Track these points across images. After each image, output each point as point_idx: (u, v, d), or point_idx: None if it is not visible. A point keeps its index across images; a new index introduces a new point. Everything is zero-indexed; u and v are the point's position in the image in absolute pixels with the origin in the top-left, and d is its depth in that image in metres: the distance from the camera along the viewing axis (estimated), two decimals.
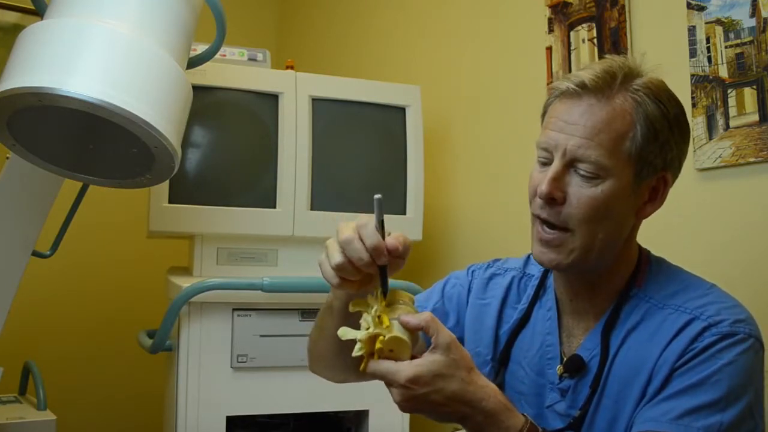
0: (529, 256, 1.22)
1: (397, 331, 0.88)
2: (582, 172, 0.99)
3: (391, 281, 0.92)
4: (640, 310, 1.03)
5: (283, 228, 1.93)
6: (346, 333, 0.90)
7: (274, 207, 1.93)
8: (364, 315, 0.90)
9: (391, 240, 0.88)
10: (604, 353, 1.02)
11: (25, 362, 2.06)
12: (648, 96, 1.01)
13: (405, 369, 0.87)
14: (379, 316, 0.89)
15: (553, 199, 1.00)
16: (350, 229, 0.89)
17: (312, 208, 1.95)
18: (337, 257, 0.89)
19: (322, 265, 0.92)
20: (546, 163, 1.03)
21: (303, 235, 1.94)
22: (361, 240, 0.88)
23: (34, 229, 1.56)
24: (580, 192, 1.00)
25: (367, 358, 0.89)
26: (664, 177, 1.05)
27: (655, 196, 1.05)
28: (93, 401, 2.70)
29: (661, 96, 1.02)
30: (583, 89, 1.01)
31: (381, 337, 0.88)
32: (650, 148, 1.00)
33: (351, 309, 0.93)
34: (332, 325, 1.04)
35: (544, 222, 1.02)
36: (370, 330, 0.88)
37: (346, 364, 1.12)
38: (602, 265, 1.05)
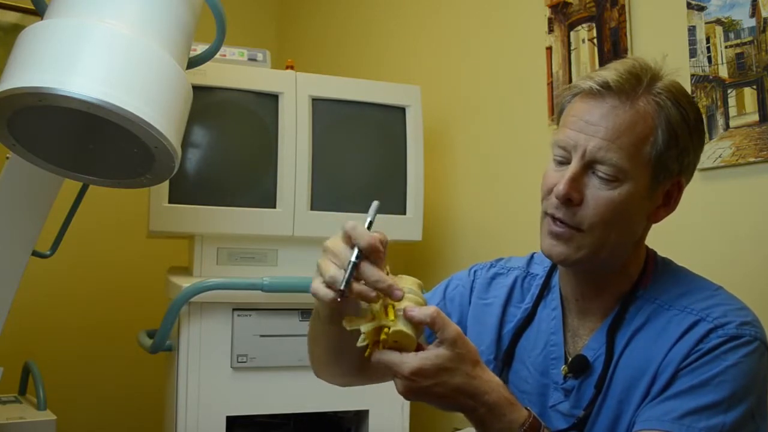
0: (532, 256, 1.22)
1: (402, 324, 0.88)
2: (601, 175, 0.99)
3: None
4: (645, 311, 1.03)
5: (283, 228, 1.93)
6: (351, 323, 0.90)
7: (274, 207, 1.93)
8: (370, 304, 0.90)
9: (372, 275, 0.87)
10: (609, 353, 1.02)
11: (25, 362, 2.06)
12: (670, 100, 1.00)
13: (409, 361, 0.87)
14: (385, 307, 0.88)
15: (570, 200, 0.99)
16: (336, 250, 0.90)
17: (312, 208, 1.95)
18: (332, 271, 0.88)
19: (316, 286, 0.91)
20: (563, 162, 1.02)
21: (303, 235, 1.94)
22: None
23: (34, 229, 1.56)
24: (597, 194, 0.99)
25: (372, 346, 0.89)
26: (679, 182, 1.04)
27: (668, 201, 1.05)
28: (93, 401, 2.70)
29: (682, 100, 1.01)
30: (607, 90, 0.99)
31: (386, 329, 0.87)
32: (670, 153, 1.00)
33: (347, 327, 0.91)
34: (322, 331, 1.05)
35: (558, 220, 1.01)
36: (375, 321, 0.88)
37: (343, 369, 1.13)
38: (610, 266, 1.04)
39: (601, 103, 1.00)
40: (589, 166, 0.99)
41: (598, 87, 1.00)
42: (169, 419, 1.92)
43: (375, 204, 0.93)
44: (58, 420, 1.81)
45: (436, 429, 2.11)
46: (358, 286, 0.87)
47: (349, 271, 0.87)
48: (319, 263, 0.90)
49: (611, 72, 1.00)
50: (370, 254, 0.87)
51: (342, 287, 0.86)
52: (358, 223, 0.89)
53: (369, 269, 0.87)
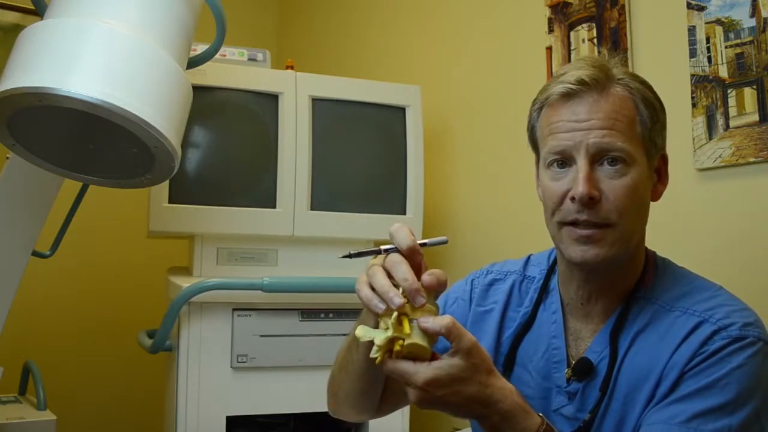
0: (528, 258, 1.22)
1: (416, 336, 0.87)
2: (611, 163, 1.00)
3: None
4: (647, 312, 1.03)
5: (283, 228, 1.93)
6: (365, 333, 0.89)
7: (274, 207, 1.93)
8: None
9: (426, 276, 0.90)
10: (613, 356, 1.02)
11: (25, 362, 2.06)
12: (634, 81, 1.04)
13: (423, 371, 0.87)
14: (399, 318, 0.87)
15: (592, 198, 0.99)
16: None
17: (312, 208, 1.95)
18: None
19: (363, 291, 0.91)
20: (562, 169, 1.02)
21: (303, 235, 1.94)
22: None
23: (34, 229, 1.56)
24: (612, 185, 1.00)
25: (385, 356, 0.88)
26: (664, 156, 1.08)
27: (660, 176, 1.07)
28: (93, 401, 2.70)
29: (640, 78, 1.05)
30: (584, 86, 1.01)
31: (400, 341, 0.86)
32: (655, 128, 1.03)
33: (360, 338, 0.90)
34: (359, 360, 1.04)
35: (583, 223, 1.00)
36: (389, 333, 0.86)
37: (370, 404, 1.13)
38: (633, 254, 1.05)
39: (581, 100, 1.01)
40: (596, 159, 1.00)
41: (574, 87, 1.01)
42: (169, 419, 1.92)
43: (441, 238, 0.97)
44: (58, 420, 1.80)
45: (436, 429, 2.11)
46: (381, 281, 0.88)
47: (372, 248, 0.92)
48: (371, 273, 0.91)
49: (579, 71, 1.02)
50: (407, 254, 0.89)
51: (353, 251, 0.91)
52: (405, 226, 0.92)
53: (400, 267, 0.88)
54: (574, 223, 1.01)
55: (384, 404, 1.15)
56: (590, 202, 0.99)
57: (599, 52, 1.72)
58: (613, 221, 1.00)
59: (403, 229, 0.91)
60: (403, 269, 0.88)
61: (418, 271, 0.90)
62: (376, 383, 1.10)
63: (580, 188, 0.99)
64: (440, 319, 0.88)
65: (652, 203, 1.07)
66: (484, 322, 1.18)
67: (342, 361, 1.12)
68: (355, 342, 1.03)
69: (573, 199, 1.00)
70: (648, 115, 1.02)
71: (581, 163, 1.00)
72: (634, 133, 1.01)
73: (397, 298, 0.86)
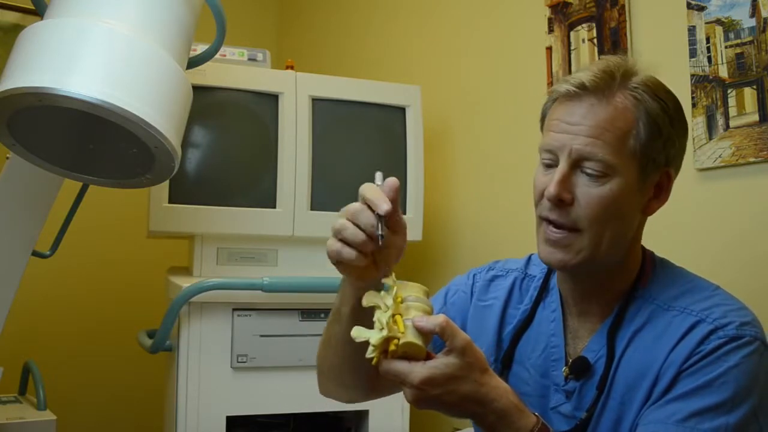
0: (530, 257, 1.22)
1: (411, 335, 0.87)
2: (589, 171, 1.00)
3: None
4: (645, 311, 1.03)
5: (283, 228, 1.93)
6: (360, 334, 0.89)
7: (274, 207, 1.93)
8: (378, 314, 0.89)
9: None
10: (610, 355, 1.02)
11: (25, 362, 2.06)
12: (647, 93, 1.02)
13: (418, 370, 0.87)
14: (393, 318, 0.88)
15: (562, 200, 1.00)
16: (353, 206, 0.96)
17: (312, 208, 1.95)
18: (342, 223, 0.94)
19: (330, 246, 0.96)
20: (550, 166, 1.03)
21: (303, 235, 1.94)
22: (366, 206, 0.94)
23: (34, 229, 1.56)
24: (587, 192, 1.00)
25: (380, 356, 0.88)
26: (668, 172, 1.05)
27: (659, 193, 1.06)
28: (93, 401, 2.70)
29: (660, 92, 1.03)
30: (583, 90, 1.01)
31: (395, 340, 0.87)
32: (654, 144, 1.01)
33: (364, 303, 0.91)
34: (340, 332, 1.04)
35: (552, 223, 1.02)
36: (384, 333, 0.87)
37: (356, 379, 1.12)
38: (609, 264, 1.04)
39: (580, 103, 1.01)
40: (576, 164, 1.00)
41: (574, 89, 1.01)
42: (169, 419, 1.92)
43: (379, 174, 1.01)
44: (58, 420, 1.80)
45: (436, 429, 2.11)
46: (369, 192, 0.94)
47: (378, 219, 0.94)
48: (338, 225, 0.95)
49: (586, 73, 1.02)
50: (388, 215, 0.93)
51: (380, 232, 0.92)
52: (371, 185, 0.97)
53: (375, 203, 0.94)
54: (547, 220, 1.02)
55: (379, 386, 1.13)
56: (560, 203, 1.00)
57: (600, 52, 1.72)
58: (581, 227, 1.00)
59: (377, 191, 0.96)
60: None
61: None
62: (359, 357, 1.09)
63: (551, 188, 1.00)
64: (434, 318, 0.88)
65: None
66: (484, 317, 1.18)
67: (325, 336, 1.12)
68: (336, 315, 1.04)
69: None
70: (647, 130, 1.00)
71: (561, 165, 1.01)
72: (624, 146, 1.00)
73: (385, 205, 0.92)
